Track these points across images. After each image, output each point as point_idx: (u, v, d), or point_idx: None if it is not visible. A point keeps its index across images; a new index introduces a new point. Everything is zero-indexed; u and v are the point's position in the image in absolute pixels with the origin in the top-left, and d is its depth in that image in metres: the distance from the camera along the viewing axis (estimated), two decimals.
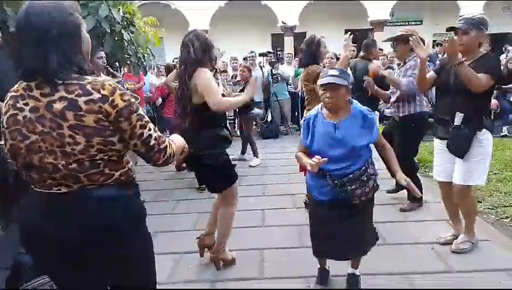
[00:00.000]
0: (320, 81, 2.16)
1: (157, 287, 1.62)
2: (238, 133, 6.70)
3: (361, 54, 5.55)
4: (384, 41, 3.93)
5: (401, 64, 3.78)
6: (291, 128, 8.32)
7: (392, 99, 3.76)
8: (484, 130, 2.67)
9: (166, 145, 1.48)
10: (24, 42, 1.26)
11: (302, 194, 3.95)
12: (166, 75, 6.91)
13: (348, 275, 2.48)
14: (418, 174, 3.87)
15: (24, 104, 1.28)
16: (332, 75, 2.11)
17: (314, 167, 2.02)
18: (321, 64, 3.74)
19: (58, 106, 1.25)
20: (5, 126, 1.32)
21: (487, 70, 2.58)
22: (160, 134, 1.47)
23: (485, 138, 2.68)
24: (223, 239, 2.81)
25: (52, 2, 1.29)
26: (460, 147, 2.69)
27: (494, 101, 6.94)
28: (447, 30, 2.78)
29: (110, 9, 4.06)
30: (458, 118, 2.70)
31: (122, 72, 6.05)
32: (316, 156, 2.01)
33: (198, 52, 2.49)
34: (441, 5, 15.96)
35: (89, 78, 1.32)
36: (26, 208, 1.41)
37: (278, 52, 15.94)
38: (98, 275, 1.40)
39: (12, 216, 3.17)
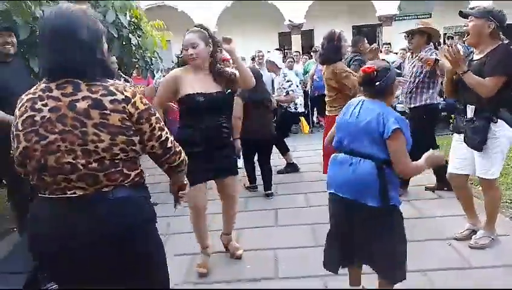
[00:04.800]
0: None
1: (175, 288, 1.62)
2: None
3: (351, 49, 5.39)
4: (402, 33, 3.92)
5: (414, 55, 3.75)
6: (299, 127, 8.26)
7: (404, 90, 3.72)
8: (500, 121, 2.59)
9: (181, 150, 1.54)
10: (52, 42, 1.30)
11: (316, 192, 3.92)
12: None
13: None
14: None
15: (43, 104, 1.29)
16: None
17: None
18: (343, 59, 3.69)
19: (81, 104, 1.27)
20: (20, 128, 1.30)
21: (492, 70, 2.52)
22: (173, 138, 1.51)
23: (499, 129, 2.59)
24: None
25: (78, 8, 1.36)
26: (475, 140, 2.64)
27: None
28: (459, 15, 2.78)
29: (117, 15, 4.09)
30: (470, 111, 2.67)
31: (133, 75, 6.10)
32: None
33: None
34: None
35: (111, 80, 1.37)
36: (36, 217, 1.36)
37: (286, 51, 15.89)
38: (112, 280, 1.39)
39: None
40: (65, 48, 1.28)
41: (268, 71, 5.79)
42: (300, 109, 5.78)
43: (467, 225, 3.00)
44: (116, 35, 4.12)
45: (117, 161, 1.32)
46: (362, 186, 1.93)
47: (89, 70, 1.31)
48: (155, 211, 1.51)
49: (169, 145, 1.47)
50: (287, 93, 5.20)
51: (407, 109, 3.71)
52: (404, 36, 3.94)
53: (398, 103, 5.44)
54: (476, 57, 2.71)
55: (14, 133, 1.33)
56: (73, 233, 1.29)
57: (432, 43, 3.77)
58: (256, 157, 4.52)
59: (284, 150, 5.25)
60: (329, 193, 2.12)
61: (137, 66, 4.78)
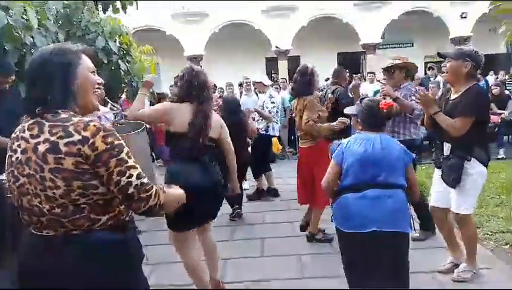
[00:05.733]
0: None
1: None
2: None
3: (332, 80, 5.47)
4: (383, 68, 4.00)
5: (396, 89, 3.83)
6: (288, 152, 8.33)
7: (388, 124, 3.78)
8: (473, 159, 2.68)
9: (151, 195, 1.33)
10: (26, 78, 1.36)
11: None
12: (158, 102, 6.89)
13: None
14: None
15: (17, 145, 1.30)
16: None
17: None
18: (314, 93, 3.74)
19: (41, 148, 1.25)
20: (6, 167, 1.34)
21: (462, 111, 2.63)
22: (144, 181, 1.32)
23: (472, 167, 2.68)
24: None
25: (56, 45, 1.36)
26: (450, 177, 2.73)
27: (495, 117, 6.99)
28: (437, 55, 2.91)
29: (106, 41, 4.13)
30: (446, 148, 2.78)
31: (122, 99, 6.08)
32: None
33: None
34: (432, 27, 16.38)
35: (76, 119, 1.28)
36: (24, 248, 1.39)
37: (273, 76, 16.15)
38: None
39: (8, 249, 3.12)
40: (29, 88, 1.33)
41: (257, 91, 5.90)
42: (272, 133, 5.62)
43: (450, 258, 3.04)
44: (105, 61, 4.14)
45: (82, 206, 1.26)
46: (401, 215, 2.10)
47: (51, 100, 1.29)
48: (138, 252, 1.45)
49: (130, 191, 1.29)
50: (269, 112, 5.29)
51: None
52: (383, 72, 4.02)
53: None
54: (453, 96, 2.84)
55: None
56: (47, 271, 1.29)
57: (409, 78, 3.82)
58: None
59: (257, 174, 5.26)
60: (363, 232, 2.06)
61: (125, 90, 4.79)
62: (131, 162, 1.31)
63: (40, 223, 1.29)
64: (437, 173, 2.97)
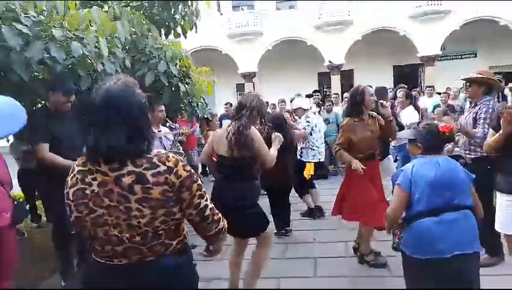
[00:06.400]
0: None
1: None
2: None
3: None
4: (462, 79, 3.84)
5: (473, 104, 3.63)
6: (340, 168, 8.19)
7: (463, 139, 3.58)
8: None
9: (220, 218, 1.52)
10: (98, 121, 1.33)
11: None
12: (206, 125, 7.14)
13: None
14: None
15: (92, 178, 1.34)
16: None
17: None
18: (365, 113, 3.57)
19: (126, 179, 1.31)
20: (71, 199, 1.37)
21: None
22: (214, 206, 1.50)
23: None
24: (254, 280, 2.90)
25: (121, 83, 1.38)
26: None
27: None
28: (505, 75, 2.74)
29: (168, 65, 4.39)
30: None
31: (179, 118, 6.41)
32: None
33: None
34: (498, 36, 15.40)
35: (155, 151, 1.40)
36: (87, 276, 1.48)
37: (325, 90, 16.07)
38: None
39: (74, 271, 3.37)
40: (110, 129, 1.30)
41: (298, 116, 5.84)
42: (305, 159, 5.32)
43: None
44: (166, 84, 4.40)
45: (160, 232, 1.36)
46: (474, 235, 2.11)
47: (135, 148, 1.33)
48: (197, 274, 1.56)
49: (207, 213, 1.45)
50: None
51: (468, 160, 3.51)
52: (463, 84, 3.89)
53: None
54: None
55: (66, 201, 1.41)
56: None
57: (491, 94, 3.50)
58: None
59: (302, 193, 5.22)
60: (446, 257, 2.04)
61: (184, 111, 5.04)
62: (204, 188, 1.47)
63: (114, 252, 1.35)
64: (505, 198, 2.79)
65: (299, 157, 5.36)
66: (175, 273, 1.41)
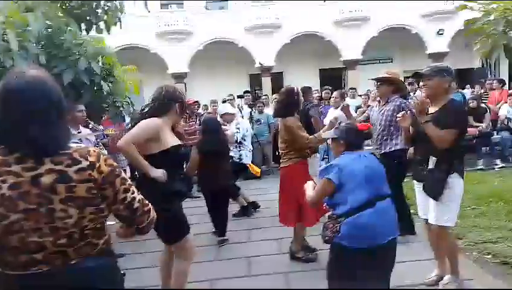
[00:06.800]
0: None
1: None
2: None
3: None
4: (371, 79, 4.13)
5: (383, 103, 3.93)
6: (273, 168, 8.35)
7: (374, 135, 3.86)
8: (454, 173, 2.77)
9: (150, 208, 1.46)
10: (10, 114, 1.20)
11: (290, 238, 3.90)
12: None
13: None
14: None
15: (1, 181, 1.18)
16: None
17: None
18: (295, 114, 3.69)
19: (46, 179, 1.19)
20: None
21: (450, 124, 2.72)
22: (142, 197, 1.44)
23: (453, 180, 2.76)
24: None
25: (35, 75, 1.26)
26: (434, 189, 2.79)
27: (472, 130, 7.21)
28: (412, 76, 3.00)
29: (89, 62, 4.10)
30: (432, 162, 2.82)
31: (104, 118, 6.03)
32: None
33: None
34: (410, 44, 16.89)
35: (73, 145, 1.30)
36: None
37: (257, 91, 16.31)
38: None
39: None
40: (25, 123, 1.19)
41: (225, 122, 5.94)
42: (245, 161, 5.87)
43: (435, 271, 3.08)
44: (87, 82, 4.11)
45: (86, 232, 1.27)
46: (396, 221, 2.32)
47: (54, 144, 1.23)
48: (122, 275, 1.49)
49: (136, 205, 1.38)
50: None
51: (378, 155, 3.80)
52: (374, 83, 4.17)
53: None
54: (431, 110, 2.92)
55: None
56: None
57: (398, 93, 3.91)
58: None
59: (234, 195, 5.26)
60: (380, 244, 2.17)
61: (108, 111, 4.75)
62: (129, 180, 1.39)
63: (31, 260, 1.21)
64: (417, 185, 3.03)
65: (238, 160, 5.47)
66: (100, 275, 1.32)
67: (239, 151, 5.70)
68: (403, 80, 3.99)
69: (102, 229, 1.35)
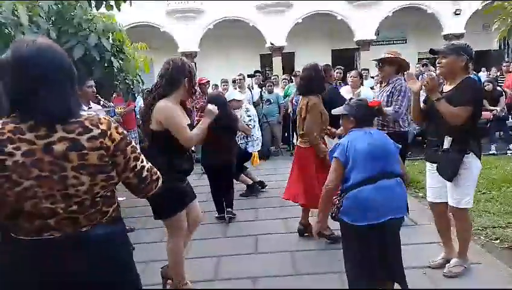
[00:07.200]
0: None
1: None
2: None
3: None
4: (372, 60, 4.06)
5: (384, 84, 3.87)
6: (282, 149, 8.36)
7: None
8: (471, 153, 2.72)
9: (158, 176, 1.49)
10: (22, 81, 1.21)
11: (296, 218, 3.94)
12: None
13: None
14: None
15: (14, 148, 1.19)
16: None
17: None
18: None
19: (59, 147, 1.22)
20: None
21: (465, 101, 2.65)
22: (151, 165, 1.47)
23: (470, 161, 2.71)
24: (177, 276, 2.67)
25: (45, 42, 1.28)
26: (449, 170, 2.74)
27: (487, 113, 7.08)
28: (429, 52, 2.98)
29: (99, 38, 4.09)
30: (447, 142, 2.75)
31: (113, 96, 6.05)
32: None
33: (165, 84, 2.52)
34: (425, 24, 16.42)
35: (84, 113, 1.31)
36: (6, 257, 1.30)
37: (267, 72, 16.15)
38: None
39: None
40: (38, 91, 1.21)
41: (250, 87, 5.80)
42: (250, 150, 5.51)
43: (442, 254, 3.07)
44: (98, 58, 4.11)
45: (97, 199, 1.30)
46: (404, 201, 2.31)
47: (66, 113, 1.25)
48: (131, 243, 1.55)
49: (144, 174, 1.41)
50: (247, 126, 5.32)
51: None
52: (375, 64, 4.08)
53: None
54: (446, 88, 2.85)
55: None
56: (47, 274, 1.26)
57: (400, 74, 3.83)
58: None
59: (237, 176, 5.22)
60: (380, 222, 2.16)
61: (118, 88, 4.76)
62: (138, 149, 1.41)
63: (44, 225, 1.24)
64: (430, 167, 2.98)
65: (244, 148, 5.38)
66: (110, 243, 1.36)
67: (246, 139, 5.44)
68: (408, 62, 3.86)
69: (113, 197, 1.39)
